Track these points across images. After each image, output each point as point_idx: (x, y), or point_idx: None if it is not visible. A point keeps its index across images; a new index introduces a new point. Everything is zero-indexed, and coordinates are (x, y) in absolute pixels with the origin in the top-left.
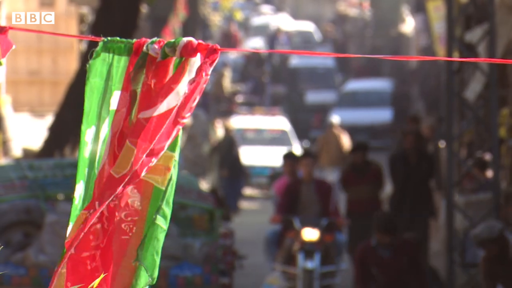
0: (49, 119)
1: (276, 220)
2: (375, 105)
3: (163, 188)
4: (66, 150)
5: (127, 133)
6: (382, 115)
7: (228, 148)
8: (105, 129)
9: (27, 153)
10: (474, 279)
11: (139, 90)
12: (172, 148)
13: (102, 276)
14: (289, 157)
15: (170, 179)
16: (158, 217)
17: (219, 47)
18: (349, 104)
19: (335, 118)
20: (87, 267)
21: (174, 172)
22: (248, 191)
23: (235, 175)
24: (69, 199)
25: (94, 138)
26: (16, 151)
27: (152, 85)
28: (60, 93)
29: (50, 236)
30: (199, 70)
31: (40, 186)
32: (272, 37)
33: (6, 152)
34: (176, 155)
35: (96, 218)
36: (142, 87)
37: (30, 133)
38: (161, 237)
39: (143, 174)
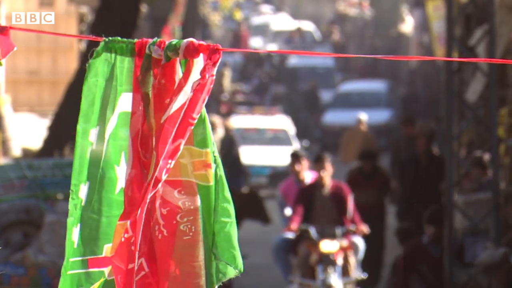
0: (48, 119)
1: (292, 230)
2: (370, 106)
3: (211, 184)
4: (65, 150)
5: (154, 138)
6: (377, 116)
7: (228, 147)
8: (110, 129)
9: (27, 153)
10: (473, 279)
11: (151, 92)
12: (202, 145)
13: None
14: (296, 156)
15: (216, 174)
16: (219, 213)
17: (220, 47)
18: (343, 105)
19: (363, 115)
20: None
21: (218, 168)
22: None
23: (234, 174)
24: (69, 199)
25: (98, 138)
26: (16, 151)
27: (163, 85)
28: (59, 93)
29: (49, 236)
30: (203, 71)
31: (40, 186)
32: (289, 38)
33: (5, 152)
34: (211, 150)
35: (154, 228)
36: (153, 89)
37: (29, 133)
38: (231, 230)
39: (163, 177)
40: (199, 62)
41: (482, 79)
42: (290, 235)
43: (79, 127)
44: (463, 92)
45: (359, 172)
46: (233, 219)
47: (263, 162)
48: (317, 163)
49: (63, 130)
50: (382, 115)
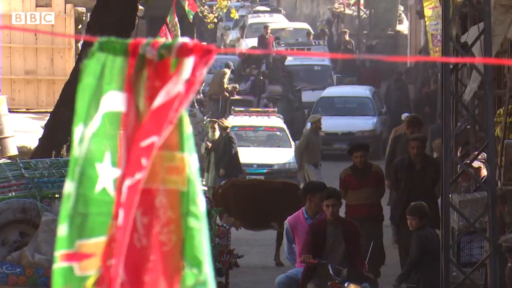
0: (45, 118)
1: (309, 262)
2: (355, 112)
3: (185, 190)
4: (62, 149)
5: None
6: (363, 123)
7: (224, 147)
8: (93, 127)
9: (24, 152)
10: (469, 278)
11: (143, 92)
12: (181, 148)
13: None
14: (311, 191)
15: (188, 179)
16: (189, 219)
17: (214, 47)
18: (328, 110)
19: (404, 116)
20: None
21: (190, 172)
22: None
23: (232, 174)
24: None
25: (81, 136)
26: (13, 150)
27: (157, 88)
28: (56, 92)
29: (46, 235)
30: (193, 70)
31: (37, 185)
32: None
33: (2, 151)
34: (187, 155)
35: (133, 236)
36: (146, 91)
37: (26, 132)
38: (199, 236)
39: (139, 176)
40: (190, 61)
41: (479, 78)
42: (294, 271)
43: (74, 128)
44: (460, 92)
45: (352, 172)
46: (202, 227)
47: (259, 162)
48: (329, 199)
49: (60, 130)
50: (368, 122)
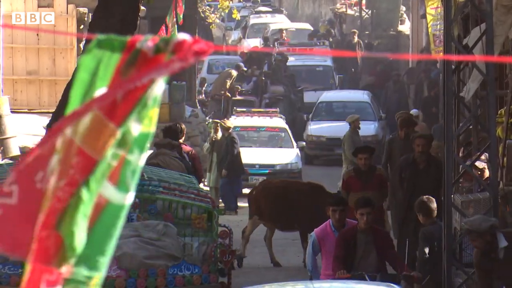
0: (47, 118)
1: (343, 277)
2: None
3: (100, 161)
4: None
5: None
6: (365, 128)
7: (227, 147)
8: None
9: (26, 153)
10: (471, 278)
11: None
12: (123, 127)
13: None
14: (332, 203)
15: (109, 156)
16: (83, 189)
17: (211, 45)
18: (327, 115)
19: (414, 112)
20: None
21: (115, 151)
22: (247, 190)
23: (234, 175)
24: None
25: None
26: (15, 151)
27: (139, 75)
28: (58, 93)
29: None
30: (183, 60)
31: None
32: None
33: (4, 151)
34: (127, 137)
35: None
36: (129, 76)
37: (28, 132)
38: (83, 209)
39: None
40: (182, 56)
41: (478, 78)
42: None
43: None
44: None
45: (355, 173)
46: (87, 201)
47: (261, 162)
48: (365, 207)
49: None
50: (370, 127)
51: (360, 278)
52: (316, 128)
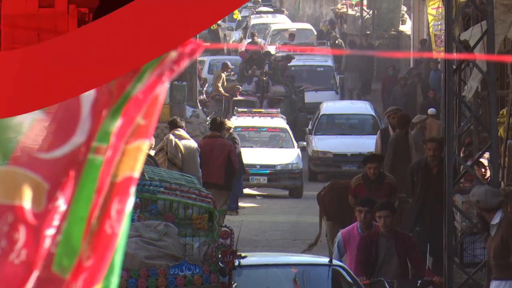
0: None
1: (363, 283)
2: (360, 131)
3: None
4: None
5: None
6: (372, 143)
7: None
8: None
9: None
10: (472, 279)
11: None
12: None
13: None
14: (360, 204)
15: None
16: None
17: (203, 43)
18: (329, 130)
19: (431, 110)
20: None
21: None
22: (247, 190)
23: (236, 174)
24: None
25: None
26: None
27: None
28: None
29: None
30: (177, 62)
31: None
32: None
33: None
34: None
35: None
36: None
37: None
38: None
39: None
40: (174, 54)
41: (479, 76)
42: None
43: None
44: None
45: (364, 181)
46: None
47: (262, 162)
48: (382, 210)
49: None
50: (373, 142)
51: (380, 285)
52: (322, 143)
